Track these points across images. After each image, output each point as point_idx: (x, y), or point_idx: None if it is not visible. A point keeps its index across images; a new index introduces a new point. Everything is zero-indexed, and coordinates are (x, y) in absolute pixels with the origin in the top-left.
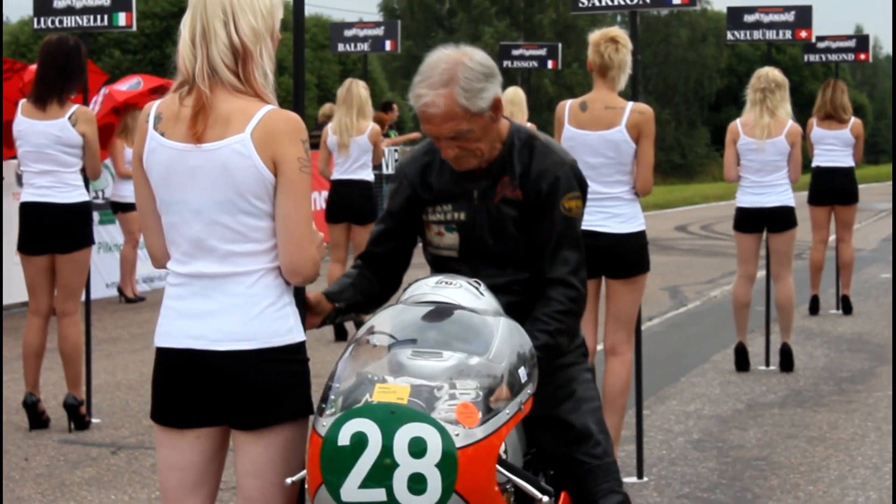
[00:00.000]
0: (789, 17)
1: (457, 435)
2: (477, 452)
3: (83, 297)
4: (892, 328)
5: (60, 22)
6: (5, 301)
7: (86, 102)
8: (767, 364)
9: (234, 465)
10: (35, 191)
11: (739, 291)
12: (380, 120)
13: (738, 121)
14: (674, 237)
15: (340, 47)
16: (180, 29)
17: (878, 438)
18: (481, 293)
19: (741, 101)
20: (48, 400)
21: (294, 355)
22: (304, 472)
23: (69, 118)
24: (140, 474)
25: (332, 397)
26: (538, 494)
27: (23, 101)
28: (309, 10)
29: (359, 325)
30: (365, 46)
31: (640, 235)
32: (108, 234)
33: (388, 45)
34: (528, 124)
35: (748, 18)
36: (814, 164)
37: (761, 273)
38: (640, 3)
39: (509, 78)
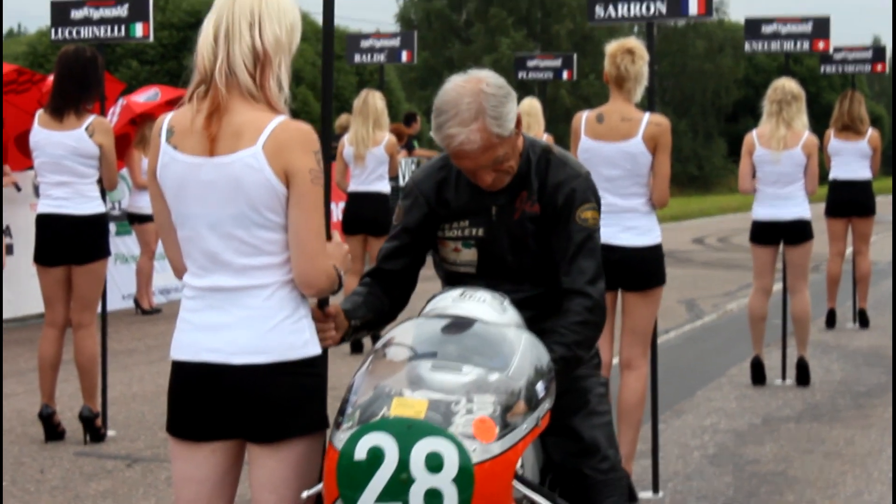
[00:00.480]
0: (807, 27)
1: (474, 450)
2: (494, 468)
3: (99, 309)
4: (891, 337)
5: (78, 33)
6: (22, 312)
7: (103, 113)
8: (784, 378)
9: (249, 479)
10: (52, 202)
11: (755, 305)
12: (397, 131)
13: (753, 132)
14: (691, 249)
15: (357, 58)
16: (202, 27)
17: (892, 454)
18: (505, 308)
19: (758, 112)
20: (64, 412)
21: (310, 369)
22: (320, 486)
23: (86, 129)
24: (155, 487)
25: (350, 411)
26: None
27: (40, 112)
28: None
29: (376, 338)
30: (381, 57)
31: (657, 248)
32: (124, 245)
33: (404, 56)
34: (545, 135)
35: (766, 29)
36: (831, 176)
37: (778, 286)
38: (657, 13)
39: (526, 89)
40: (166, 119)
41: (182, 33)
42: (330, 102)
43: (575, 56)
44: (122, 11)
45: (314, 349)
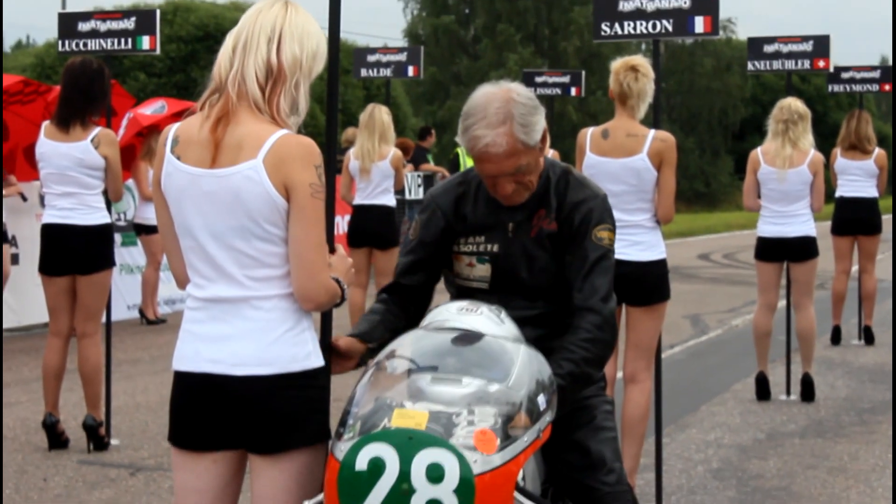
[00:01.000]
0: (808, 46)
1: (475, 461)
2: (495, 479)
3: (104, 319)
4: (891, 353)
5: (85, 45)
6: (27, 322)
7: (109, 125)
8: (788, 394)
9: (250, 490)
10: (57, 212)
11: (760, 321)
12: (403, 146)
13: (758, 149)
14: (696, 265)
15: (363, 72)
16: (225, 40)
17: (892, 471)
18: (502, 320)
19: (764, 130)
20: (67, 421)
21: (312, 380)
22: (320, 497)
23: (91, 140)
24: (158, 496)
25: (351, 422)
26: None
27: (46, 123)
28: None
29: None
30: (388, 72)
31: (661, 263)
32: (129, 256)
33: (410, 71)
34: (551, 151)
35: (768, 49)
36: (837, 194)
37: (782, 303)
38: (663, 31)
39: None
40: (173, 129)
41: (190, 46)
42: (335, 116)
43: (584, 73)
44: (129, 24)
45: (317, 361)
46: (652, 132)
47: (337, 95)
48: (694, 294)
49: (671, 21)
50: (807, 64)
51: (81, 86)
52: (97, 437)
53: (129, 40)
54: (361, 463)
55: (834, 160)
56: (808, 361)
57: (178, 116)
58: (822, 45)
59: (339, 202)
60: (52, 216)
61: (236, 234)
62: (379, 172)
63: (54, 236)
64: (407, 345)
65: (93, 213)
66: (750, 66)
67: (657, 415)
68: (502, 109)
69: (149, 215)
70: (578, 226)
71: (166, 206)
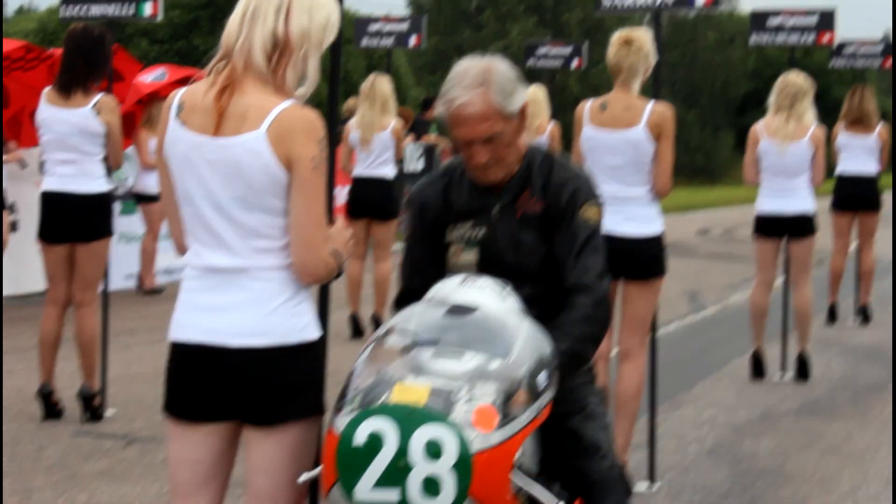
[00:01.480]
0: (812, 20)
1: (474, 439)
2: (493, 457)
3: (101, 288)
4: (888, 333)
5: (87, 11)
6: (25, 289)
7: (110, 91)
8: (783, 372)
9: (245, 461)
10: (57, 179)
11: (757, 298)
12: (401, 115)
13: (760, 123)
14: (695, 241)
15: (365, 41)
16: (237, 6)
17: (892, 451)
18: (506, 295)
19: (767, 105)
20: (63, 390)
21: (309, 353)
22: (317, 470)
23: (93, 107)
24: (153, 467)
25: (351, 395)
26: (553, 501)
27: (47, 90)
28: None
29: (378, 322)
30: (390, 41)
31: (658, 239)
32: (128, 224)
33: (412, 41)
34: (552, 123)
35: (771, 22)
36: (838, 170)
37: (780, 280)
38: (664, 4)
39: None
40: (178, 94)
41: (193, 13)
42: (337, 86)
43: (586, 44)
44: None
45: (313, 333)
46: (650, 104)
47: (340, 66)
48: (692, 270)
49: None
50: (811, 38)
51: (83, 52)
52: (92, 407)
53: (132, 6)
54: (360, 437)
55: (836, 136)
56: (804, 340)
57: (178, 84)
58: (827, 18)
59: (339, 172)
60: (51, 183)
61: (237, 204)
62: (380, 143)
63: (54, 204)
64: (409, 318)
65: (92, 180)
66: (752, 40)
67: (651, 392)
68: (481, 74)
69: (149, 184)
70: (565, 206)
71: (169, 171)
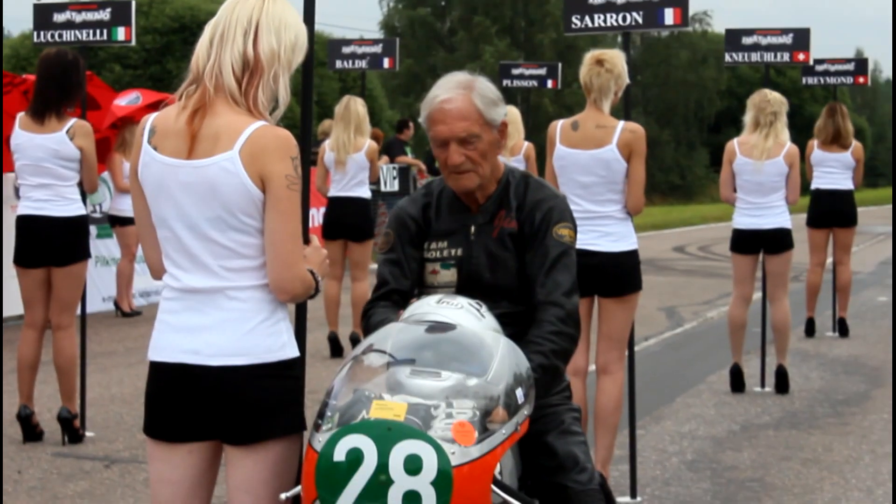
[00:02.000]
0: (787, 39)
1: (453, 453)
2: (472, 471)
3: (79, 311)
4: (892, 351)
5: (60, 36)
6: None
7: (84, 116)
8: (763, 386)
9: (226, 481)
10: (32, 204)
11: (735, 313)
12: (373, 136)
13: (735, 141)
14: (671, 258)
15: (339, 64)
16: (204, 30)
17: (872, 461)
18: (482, 314)
19: (740, 123)
20: (42, 413)
21: (287, 371)
22: (298, 489)
23: (67, 132)
24: (133, 488)
25: (329, 413)
26: None
27: (21, 115)
28: None
29: (356, 341)
30: (363, 64)
31: (633, 254)
32: (105, 247)
33: (386, 63)
34: (526, 144)
35: (746, 41)
36: (813, 186)
37: (757, 295)
38: (633, 23)
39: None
40: (150, 119)
41: (165, 38)
42: (310, 107)
43: (560, 65)
44: (104, 15)
45: (292, 352)
46: (621, 123)
47: (312, 87)
48: (669, 286)
49: (641, 13)
50: (786, 57)
51: (56, 77)
52: (72, 429)
53: (105, 31)
54: (339, 454)
55: (810, 152)
56: (783, 353)
57: (152, 108)
58: (801, 37)
59: (315, 194)
60: (27, 207)
61: (212, 224)
62: (354, 164)
63: (29, 228)
64: (386, 337)
65: (68, 204)
66: (728, 58)
67: (631, 406)
68: (465, 81)
69: (124, 207)
70: (539, 224)
71: (143, 196)
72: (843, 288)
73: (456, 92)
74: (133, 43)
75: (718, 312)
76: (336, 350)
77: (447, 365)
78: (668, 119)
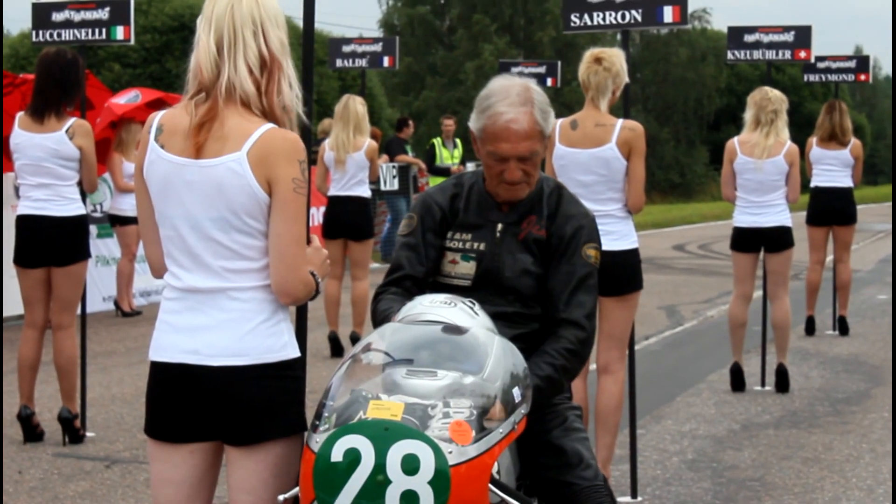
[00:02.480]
0: (789, 37)
1: (450, 452)
2: (470, 470)
3: (79, 311)
4: (892, 349)
5: (59, 35)
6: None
7: (83, 116)
8: (763, 384)
9: (226, 481)
10: (32, 203)
11: (736, 311)
12: (374, 136)
13: (735, 139)
14: (671, 256)
15: (339, 63)
16: (198, 36)
17: (872, 460)
18: (476, 313)
19: (740, 120)
20: (43, 413)
21: (288, 371)
22: (296, 490)
23: (66, 131)
24: (134, 489)
25: (326, 414)
26: None
27: (20, 114)
28: None
29: (356, 341)
30: (363, 62)
31: (633, 253)
32: (105, 247)
33: (386, 62)
34: None
35: (748, 38)
36: (812, 184)
37: (758, 293)
38: (632, 21)
39: None
40: (157, 117)
41: (165, 37)
42: (311, 107)
43: (560, 63)
44: (103, 14)
45: (293, 352)
46: (620, 122)
47: (312, 86)
48: (669, 285)
49: (640, 11)
50: (787, 54)
51: (55, 76)
52: (72, 429)
53: (104, 30)
54: (337, 454)
55: (809, 150)
56: (783, 352)
57: (151, 106)
58: (803, 35)
59: (315, 193)
60: (27, 207)
61: (216, 225)
62: (354, 163)
63: (29, 228)
64: (382, 338)
65: (68, 204)
66: (729, 56)
67: (631, 406)
68: (524, 93)
69: (124, 206)
70: (569, 240)
71: (147, 194)
72: (843, 286)
73: (519, 110)
74: (132, 42)
75: (718, 311)
76: (336, 350)
77: (443, 364)
78: (668, 117)
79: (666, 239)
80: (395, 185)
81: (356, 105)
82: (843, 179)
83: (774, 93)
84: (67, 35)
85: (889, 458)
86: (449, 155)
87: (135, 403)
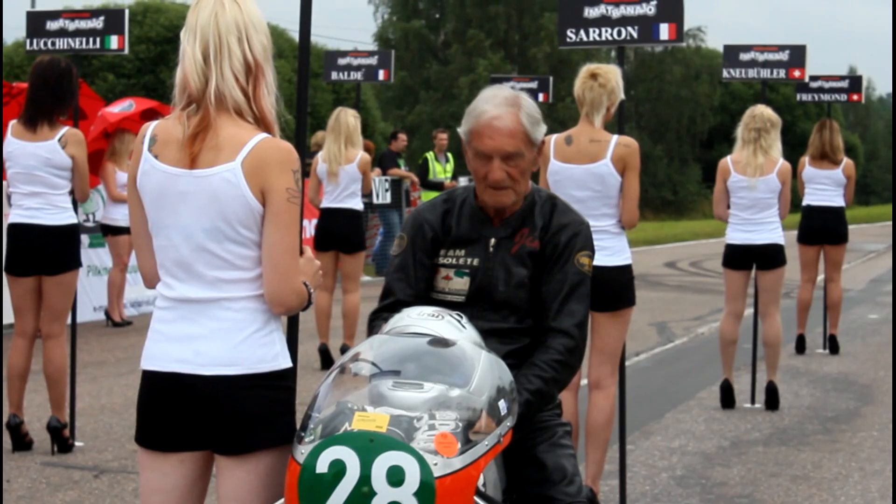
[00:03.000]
0: (784, 56)
1: (435, 464)
2: (455, 482)
3: (69, 320)
4: (892, 366)
5: (53, 44)
6: None
7: (76, 125)
8: (753, 402)
9: (216, 491)
10: (23, 212)
11: (726, 328)
12: (366, 149)
13: (728, 158)
14: (663, 273)
15: (334, 75)
16: (183, 48)
17: (861, 479)
18: (463, 326)
19: (733, 139)
20: (32, 422)
21: (280, 381)
22: (282, 501)
23: (59, 140)
24: (122, 498)
25: (312, 425)
26: None
27: (13, 123)
28: None
29: (345, 352)
30: (358, 75)
31: (627, 269)
32: (97, 257)
33: (381, 75)
34: None
35: (744, 56)
36: (804, 202)
37: (749, 311)
38: (628, 38)
39: None
40: (150, 127)
41: (159, 47)
42: (304, 119)
43: (551, 79)
44: (97, 23)
45: (284, 363)
46: (615, 138)
47: (307, 99)
48: (660, 302)
49: (636, 28)
50: (782, 73)
51: (49, 85)
52: (61, 439)
53: (98, 40)
54: (322, 466)
55: (802, 169)
56: (773, 370)
57: (145, 116)
58: (798, 54)
59: (307, 205)
60: (18, 216)
61: (209, 235)
62: (346, 175)
63: (20, 236)
64: (369, 349)
65: (59, 213)
66: (725, 74)
67: (621, 421)
68: (512, 98)
69: (116, 216)
70: (563, 248)
71: (140, 204)
72: (834, 305)
73: (505, 109)
74: (126, 51)
75: (709, 328)
76: (327, 362)
77: (430, 377)
78: (661, 134)
79: (658, 256)
80: (388, 199)
81: (348, 117)
82: (836, 199)
83: (760, 111)
84: (62, 44)
85: (878, 476)
86: (441, 169)
87: (124, 413)
